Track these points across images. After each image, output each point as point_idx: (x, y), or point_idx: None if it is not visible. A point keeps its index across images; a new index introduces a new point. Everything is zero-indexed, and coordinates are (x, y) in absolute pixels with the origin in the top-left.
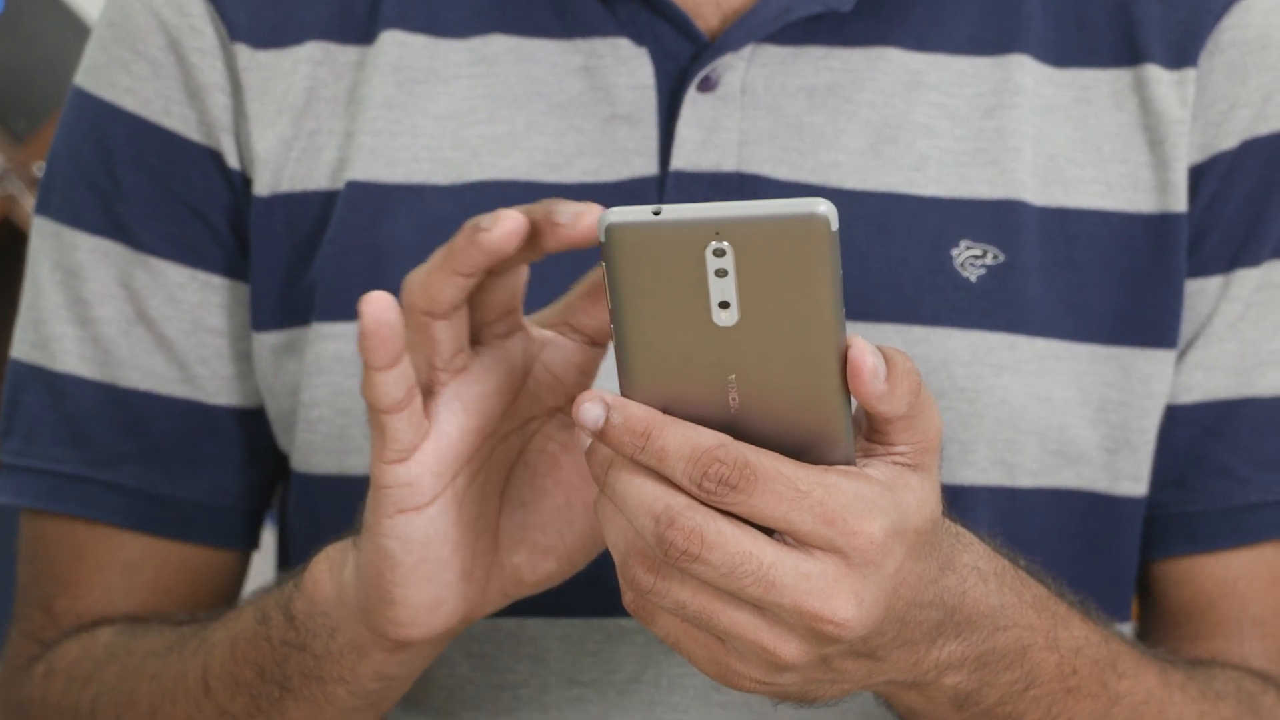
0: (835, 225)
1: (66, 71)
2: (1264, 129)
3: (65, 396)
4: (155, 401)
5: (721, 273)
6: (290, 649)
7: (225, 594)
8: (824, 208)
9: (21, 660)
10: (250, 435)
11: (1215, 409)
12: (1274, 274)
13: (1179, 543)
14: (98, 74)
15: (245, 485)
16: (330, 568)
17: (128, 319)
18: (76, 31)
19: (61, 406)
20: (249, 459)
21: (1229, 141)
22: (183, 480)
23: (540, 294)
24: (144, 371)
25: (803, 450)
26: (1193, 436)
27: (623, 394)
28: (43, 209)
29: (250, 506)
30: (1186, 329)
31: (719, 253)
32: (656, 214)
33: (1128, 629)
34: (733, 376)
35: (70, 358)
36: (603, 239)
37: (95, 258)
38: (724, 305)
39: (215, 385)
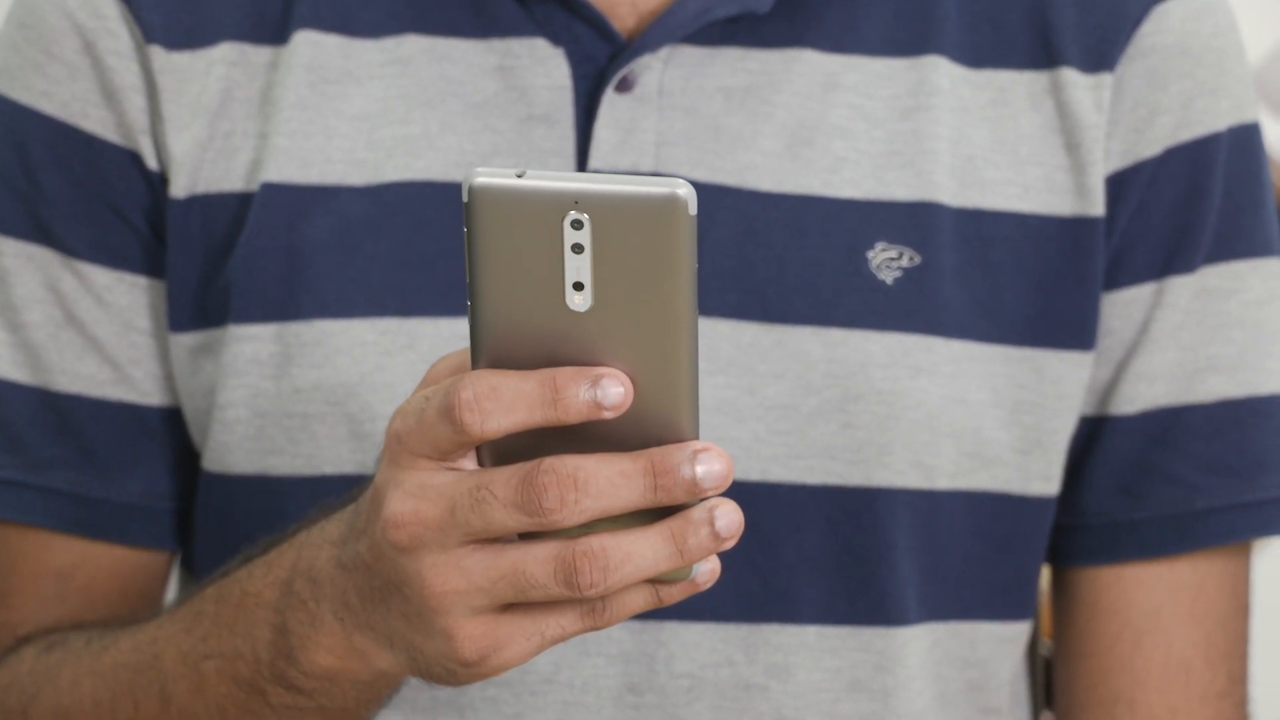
0: (694, 210)
1: None
2: (1186, 135)
3: None
4: (88, 404)
5: (578, 248)
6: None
7: (152, 595)
8: (684, 190)
9: None
10: (181, 435)
11: (1159, 417)
12: (1209, 280)
13: (1127, 549)
14: (11, 76)
15: (177, 485)
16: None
17: (56, 323)
18: None
19: None
20: (181, 459)
21: (1152, 149)
22: (117, 482)
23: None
24: (75, 374)
25: (645, 436)
26: (1138, 446)
27: (472, 364)
28: None
29: (181, 507)
30: (1120, 338)
31: (577, 225)
32: (520, 176)
33: (1028, 627)
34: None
35: (1, 362)
36: (466, 199)
37: (20, 262)
38: (578, 287)
39: (150, 386)
